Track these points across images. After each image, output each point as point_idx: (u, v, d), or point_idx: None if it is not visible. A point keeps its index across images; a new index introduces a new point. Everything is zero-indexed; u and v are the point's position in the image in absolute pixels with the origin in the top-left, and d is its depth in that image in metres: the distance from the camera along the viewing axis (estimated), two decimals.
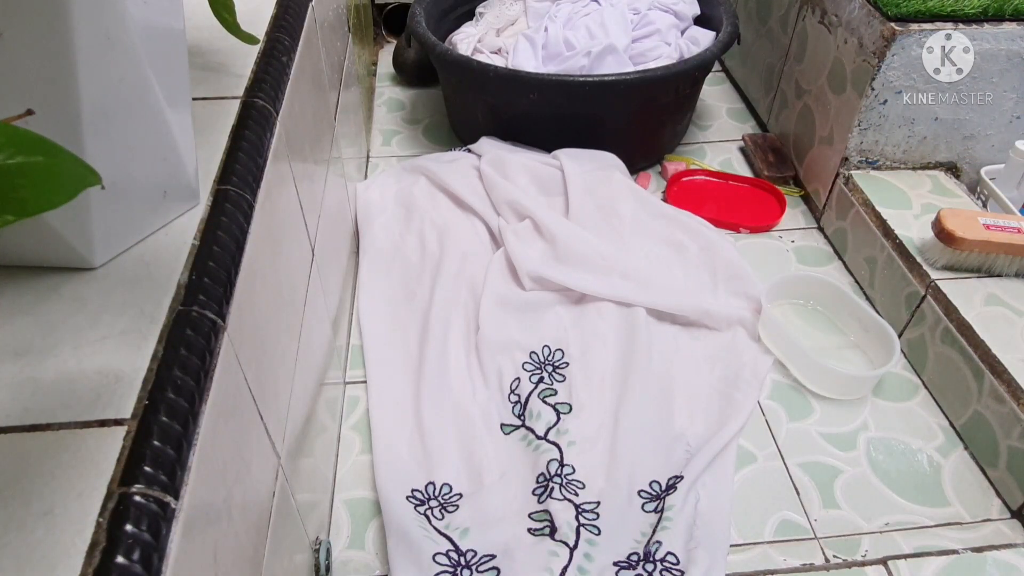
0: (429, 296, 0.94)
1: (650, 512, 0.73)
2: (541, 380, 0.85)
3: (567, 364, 0.86)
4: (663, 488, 0.75)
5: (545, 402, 0.82)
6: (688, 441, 0.79)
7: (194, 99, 0.52)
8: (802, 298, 0.98)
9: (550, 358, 0.87)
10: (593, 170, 1.10)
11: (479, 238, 1.04)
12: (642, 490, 0.75)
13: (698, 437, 0.80)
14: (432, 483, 0.75)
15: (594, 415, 0.81)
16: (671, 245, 1.04)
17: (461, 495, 0.74)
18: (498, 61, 1.20)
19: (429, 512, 0.72)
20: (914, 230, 0.94)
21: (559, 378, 0.85)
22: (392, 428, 0.81)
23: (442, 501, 0.74)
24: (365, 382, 0.87)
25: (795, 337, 0.88)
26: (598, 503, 0.73)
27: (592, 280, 0.94)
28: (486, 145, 1.16)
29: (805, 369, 0.88)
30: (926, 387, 0.89)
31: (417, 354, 0.88)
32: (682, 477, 0.74)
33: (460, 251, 1.00)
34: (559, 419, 0.80)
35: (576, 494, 0.73)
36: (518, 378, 0.85)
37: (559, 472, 0.75)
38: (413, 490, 0.74)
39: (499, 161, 1.10)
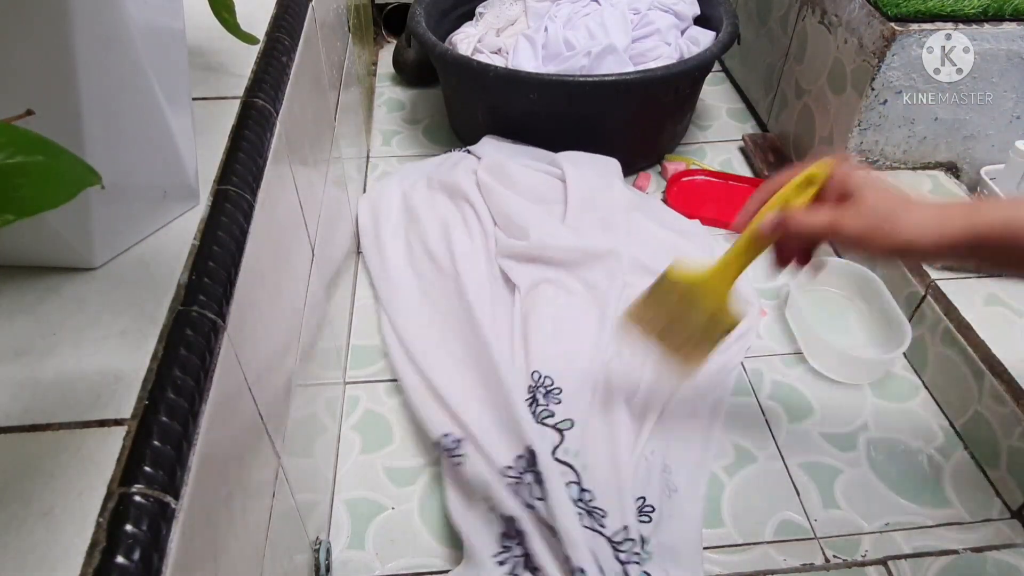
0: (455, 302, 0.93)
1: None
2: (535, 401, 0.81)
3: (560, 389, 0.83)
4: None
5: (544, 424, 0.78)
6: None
7: (194, 99, 0.52)
8: (833, 286, 1.00)
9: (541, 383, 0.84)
10: (594, 177, 1.09)
11: (477, 248, 1.01)
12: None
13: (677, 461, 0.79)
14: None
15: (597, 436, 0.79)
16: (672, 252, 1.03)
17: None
18: (498, 61, 1.20)
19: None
20: None
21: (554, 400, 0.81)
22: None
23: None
24: (365, 382, 0.87)
25: (813, 320, 0.90)
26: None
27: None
28: (487, 147, 1.15)
29: (819, 354, 0.90)
30: (926, 387, 0.89)
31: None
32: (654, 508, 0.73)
33: (462, 264, 0.98)
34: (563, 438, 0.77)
35: (604, 526, 0.69)
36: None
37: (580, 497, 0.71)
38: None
39: (498, 168, 1.08)
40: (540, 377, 0.82)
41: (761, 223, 0.56)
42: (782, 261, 0.58)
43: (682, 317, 0.64)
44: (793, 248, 0.58)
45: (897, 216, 0.52)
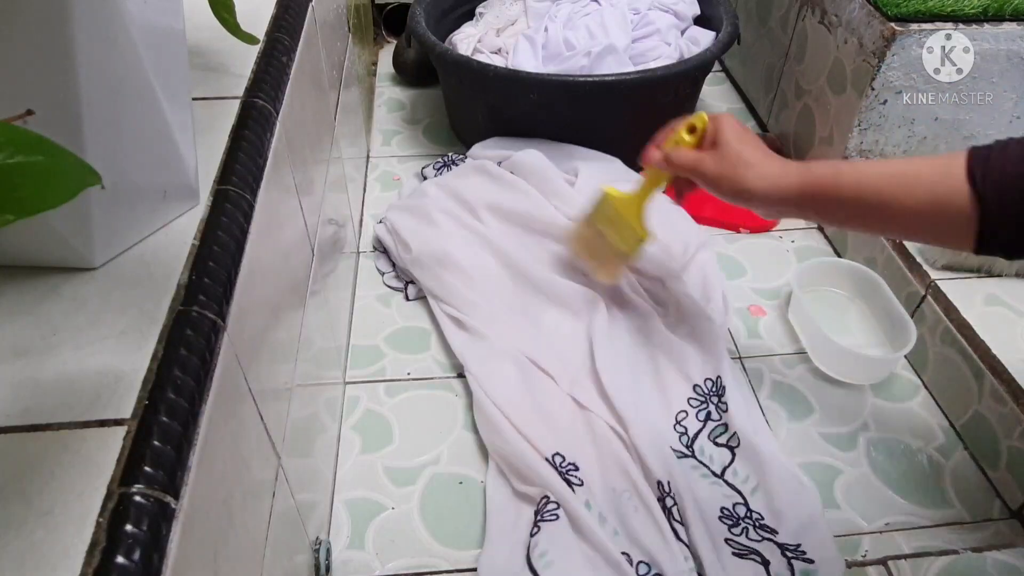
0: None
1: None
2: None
3: None
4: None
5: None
6: None
7: (194, 99, 0.52)
8: (835, 286, 1.00)
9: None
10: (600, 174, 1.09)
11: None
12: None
13: None
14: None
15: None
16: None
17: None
18: (498, 61, 1.20)
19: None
20: None
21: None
22: None
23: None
24: (365, 382, 0.87)
25: (818, 321, 0.89)
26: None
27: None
28: (482, 157, 1.14)
29: (825, 354, 0.89)
30: (926, 387, 0.89)
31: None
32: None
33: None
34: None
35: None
36: None
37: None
38: None
39: (491, 195, 1.05)
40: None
41: (652, 157, 0.74)
42: (676, 195, 0.76)
43: (608, 231, 0.83)
44: (681, 182, 0.74)
45: (744, 167, 0.64)
